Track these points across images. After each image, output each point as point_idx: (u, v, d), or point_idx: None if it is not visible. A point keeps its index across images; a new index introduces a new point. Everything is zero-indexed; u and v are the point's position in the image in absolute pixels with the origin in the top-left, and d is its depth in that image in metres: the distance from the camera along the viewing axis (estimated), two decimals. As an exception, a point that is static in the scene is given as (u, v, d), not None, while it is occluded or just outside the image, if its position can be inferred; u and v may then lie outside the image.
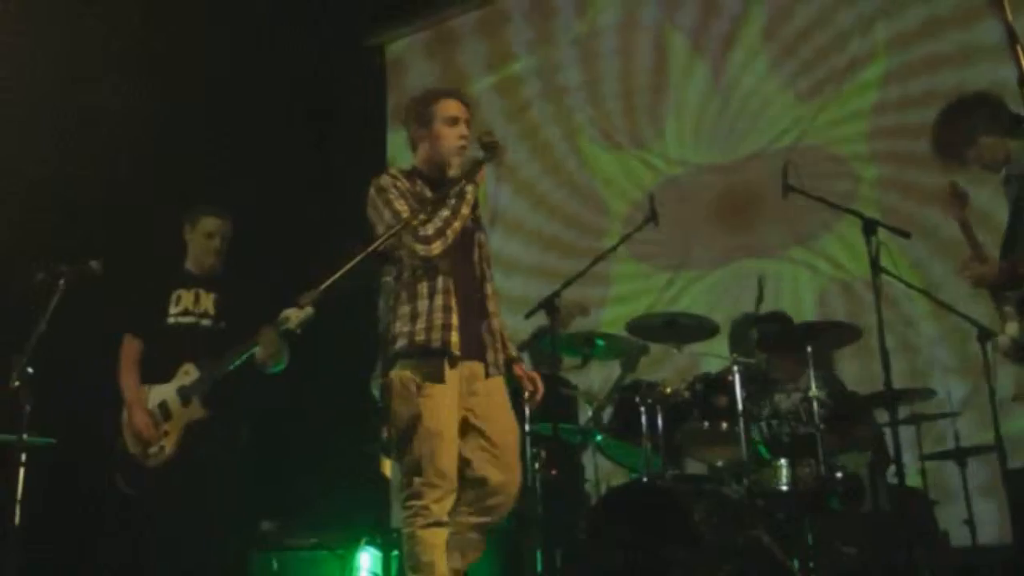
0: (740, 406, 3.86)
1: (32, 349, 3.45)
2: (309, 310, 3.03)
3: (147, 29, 5.51)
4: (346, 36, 6.56)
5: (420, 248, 3.01)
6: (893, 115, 5.09)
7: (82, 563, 4.75)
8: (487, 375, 3.14)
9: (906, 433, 3.83)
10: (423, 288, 3.06)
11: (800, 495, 3.77)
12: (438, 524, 2.97)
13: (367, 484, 5.18)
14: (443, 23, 6.71)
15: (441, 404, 3.00)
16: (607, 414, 4.47)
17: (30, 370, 3.42)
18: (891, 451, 3.63)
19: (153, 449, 3.82)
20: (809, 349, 3.89)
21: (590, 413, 4.53)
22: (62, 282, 3.60)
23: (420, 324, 3.02)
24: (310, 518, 5.18)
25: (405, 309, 3.07)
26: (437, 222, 3.04)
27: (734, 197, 5.46)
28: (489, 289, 3.24)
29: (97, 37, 5.29)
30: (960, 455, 4.12)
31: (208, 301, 4.02)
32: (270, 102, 6.06)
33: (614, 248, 4.42)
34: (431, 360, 3.01)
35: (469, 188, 3.11)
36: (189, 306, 4.01)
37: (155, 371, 3.94)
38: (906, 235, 3.63)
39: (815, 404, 3.79)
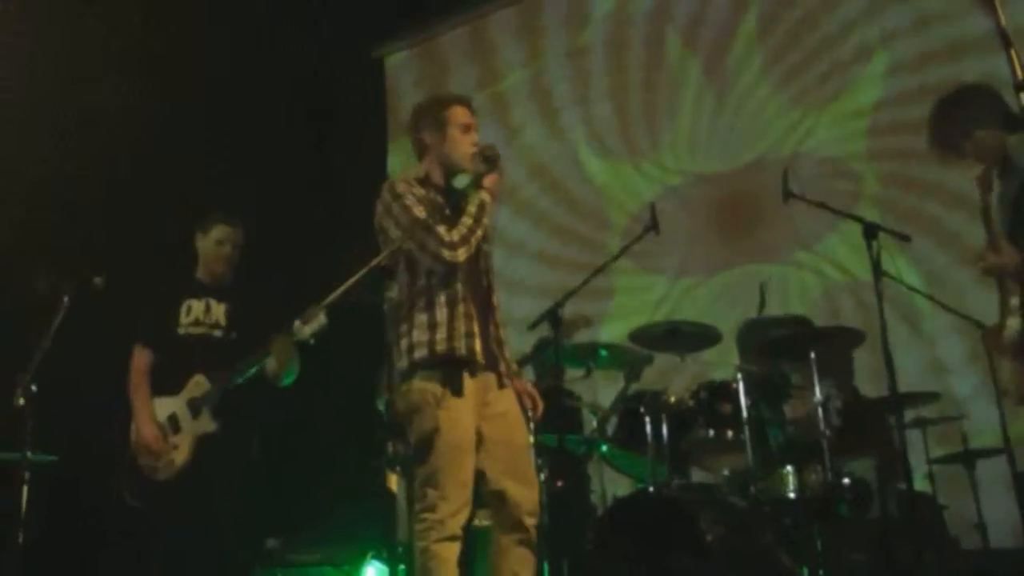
0: (745, 414, 3.83)
1: (36, 367, 3.44)
2: (323, 319, 3.02)
3: (147, 29, 5.52)
4: (346, 37, 6.55)
5: (447, 253, 2.98)
6: (893, 112, 5.09)
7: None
8: (500, 386, 3.12)
9: (913, 436, 3.80)
10: (441, 296, 3.02)
11: (807, 502, 3.74)
12: (452, 538, 2.91)
13: (373, 498, 5.15)
14: (434, 39, 6.72)
15: (461, 415, 2.96)
16: (612, 424, 4.45)
17: (34, 388, 3.42)
18: (901, 455, 3.60)
19: (163, 462, 3.78)
20: (812, 355, 3.87)
21: (595, 423, 4.51)
22: (66, 299, 3.60)
23: (440, 333, 2.98)
24: (315, 533, 5.15)
25: (422, 318, 3.01)
26: (462, 228, 3.02)
27: (735, 203, 5.46)
28: (495, 300, 3.23)
29: (97, 37, 5.30)
30: (968, 458, 4.09)
31: (219, 311, 3.99)
32: (270, 102, 6.07)
33: (616, 258, 4.39)
34: (453, 370, 2.97)
35: (488, 199, 3.10)
36: (200, 316, 3.98)
37: (165, 382, 3.90)
38: (907, 238, 3.62)
39: (819, 410, 3.77)
